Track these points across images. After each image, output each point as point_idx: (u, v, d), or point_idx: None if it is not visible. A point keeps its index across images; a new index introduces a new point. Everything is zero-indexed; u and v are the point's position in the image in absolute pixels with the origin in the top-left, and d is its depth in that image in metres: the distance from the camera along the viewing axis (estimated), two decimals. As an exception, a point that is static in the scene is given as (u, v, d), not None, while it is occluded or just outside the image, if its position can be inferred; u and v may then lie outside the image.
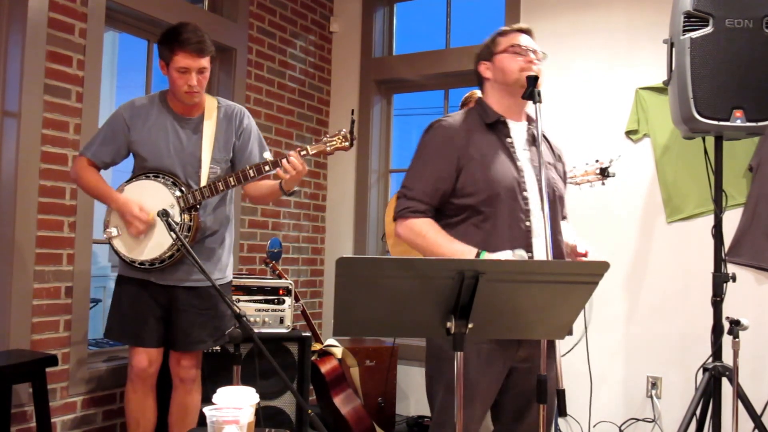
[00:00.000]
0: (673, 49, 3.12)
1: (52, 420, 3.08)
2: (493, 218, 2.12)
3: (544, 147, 2.28)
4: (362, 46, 5.06)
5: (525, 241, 2.11)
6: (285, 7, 4.70)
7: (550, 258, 2.02)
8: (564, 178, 2.37)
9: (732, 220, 3.40)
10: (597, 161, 3.45)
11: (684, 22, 3.06)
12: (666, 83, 3.24)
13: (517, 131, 2.25)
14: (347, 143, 2.67)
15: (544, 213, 1.98)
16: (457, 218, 2.18)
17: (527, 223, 2.12)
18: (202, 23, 4.05)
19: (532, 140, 2.24)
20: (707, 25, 3.04)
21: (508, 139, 2.21)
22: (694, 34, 3.04)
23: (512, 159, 2.18)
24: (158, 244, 2.79)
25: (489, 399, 2.18)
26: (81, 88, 3.34)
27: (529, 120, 2.30)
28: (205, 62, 2.80)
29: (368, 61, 5.04)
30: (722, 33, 3.02)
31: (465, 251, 2.07)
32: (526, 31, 2.31)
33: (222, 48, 4.24)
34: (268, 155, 2.81)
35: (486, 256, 2.03)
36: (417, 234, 2.16)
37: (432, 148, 2.21)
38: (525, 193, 2.14)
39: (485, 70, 2.29)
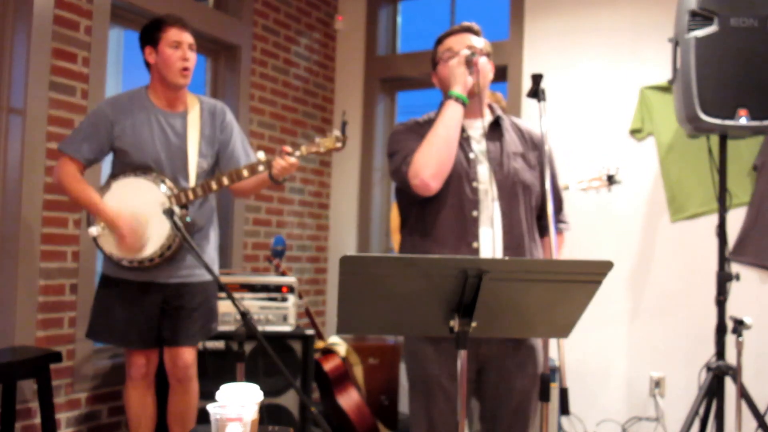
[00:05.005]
0: (678, 48, 3.11)
1: (57, 416, 3.09)
2: (438, 206, 2.19)
3: (512, 137, 2.30)
4: (366, 45, 5.06)
5: (471, 230, 2.16)
6: (289, 5, 4.70)
7: (500, 246, 2.12)
8: (543, 166, 2.28)
9: (736, 220, 3.42)
10: (605, 168, 3.48)
11: (689, 20, 3.05)
12: (670, 82, 3.23)
13: (474, 126, 2.29)
14: (339, 144, 2.70)
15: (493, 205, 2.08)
16: (413, 205, 2.27)
17: (474, 213, 2.17)
18: (207, 20, 4.07)
19: (491, 133, 2.28)
20: (712, 24, 3.04)
21: (463, 134, 2.25)
22: (699, 33, 3.03)
23: (464, 152, 2.23)
24: (149, 244, 2.77)
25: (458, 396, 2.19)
26: (86, 85, 3.35)
27: (493, 112, 2.33)
28: (192, 39, 2.88)
29: (372, 60, 5.04)
30: (727, 32, 3.02)
31: None
32: (465, 30, 2.34)
33: (226, 46, 4.24)
34: (261, 155, 2.79)
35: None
36: None
37: (392, 137, 2.34)
38: (474, 184, 2.19)
39: (436, 82, 2.39)
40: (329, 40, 5.11)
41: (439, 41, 2.35)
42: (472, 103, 2.25)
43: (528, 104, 4.33)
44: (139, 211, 2.76)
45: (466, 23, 2.34)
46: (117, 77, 5.50)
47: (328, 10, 5.08)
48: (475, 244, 2.15)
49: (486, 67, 2.27)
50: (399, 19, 5.19)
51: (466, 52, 2.21)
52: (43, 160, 3.15)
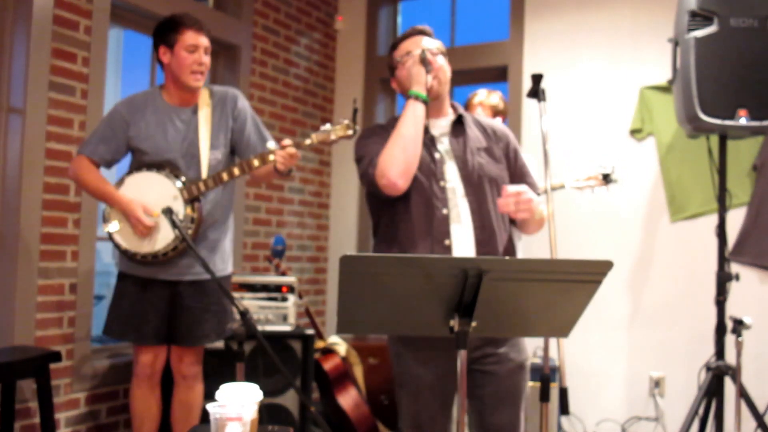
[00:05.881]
0: (678, 48, 3.12)
1: (56, 416, 3.09)
2: (407, 207, 2.20)
3: (475, 133, 2.31)
4: (366, 45, 5.06)
5: (443, 228, 2.16)
6: (289, 5, 4.70)
7: (472, 242, 2.13)
8: (510, 160, 2.33)
9: (736, 220, 3.41)
10: (600, 166, 3.48)
11: (688, 21, 3.05)
12: (670, 82, 3.23)
13: (438, 126, 2.30)
14: (350, 131, 2.68)
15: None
16: (382, 210, 2.29)
17: (444, 211, 2.17)
18: (207, 20, 4.04)
19: (454, 131, 2.29)
20: (712, 24, 3.04)
21: (428, 134, 2.27)
22: (699, 33, 3.03)
23: (429, 152, 2.24)
24: (162, 237, 2.79)
25: (444, 396, 2.18)
26: (86, 85, 3.35)
27: (455, 111, 2.34)
28: (208, 42, 2.89)
29: (372, 60, 5.04)
30: (727, 32, 3.02)
31: None
32: (419, 32, 2.34)
33: (226, 45, 4.24)
34: (272, 145, 2.78)
35: None
36: None
37: (357, 142, 2.35)
38: (441, 183, 2.20)
39: (395, 86, 2.40)
40: (329, 40, 5.11)
41: (394, 46, 2.37)
42: (434, 102, 2.27)
43: (528, 104, 4.33)
44: (151, 205, 2.78)
45: (419, 26, 2.36)
46: (116, 77, 5.51)
47: (328, 10, 5.08)
48: (447, 242, 2.15)
49: (444, 65, 2.28)
50: (399, 19, 5.19)
51: (418, 51, 2.24)
52: (43, 159, 3.15)
